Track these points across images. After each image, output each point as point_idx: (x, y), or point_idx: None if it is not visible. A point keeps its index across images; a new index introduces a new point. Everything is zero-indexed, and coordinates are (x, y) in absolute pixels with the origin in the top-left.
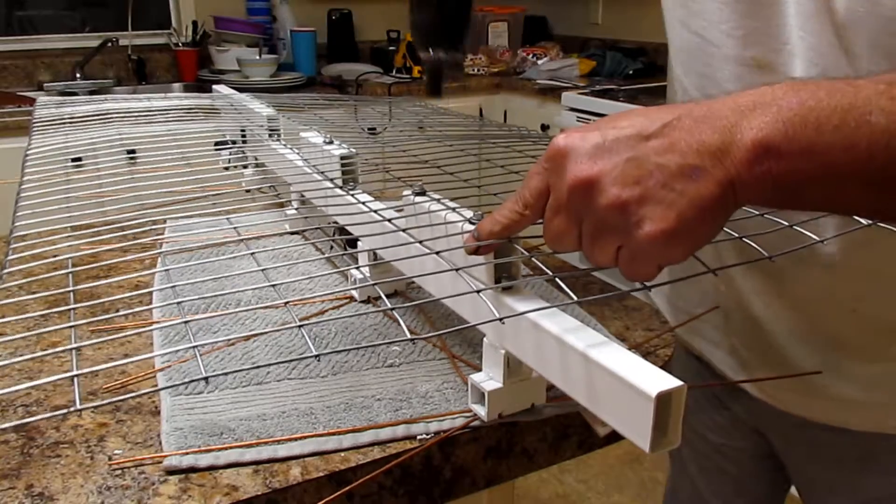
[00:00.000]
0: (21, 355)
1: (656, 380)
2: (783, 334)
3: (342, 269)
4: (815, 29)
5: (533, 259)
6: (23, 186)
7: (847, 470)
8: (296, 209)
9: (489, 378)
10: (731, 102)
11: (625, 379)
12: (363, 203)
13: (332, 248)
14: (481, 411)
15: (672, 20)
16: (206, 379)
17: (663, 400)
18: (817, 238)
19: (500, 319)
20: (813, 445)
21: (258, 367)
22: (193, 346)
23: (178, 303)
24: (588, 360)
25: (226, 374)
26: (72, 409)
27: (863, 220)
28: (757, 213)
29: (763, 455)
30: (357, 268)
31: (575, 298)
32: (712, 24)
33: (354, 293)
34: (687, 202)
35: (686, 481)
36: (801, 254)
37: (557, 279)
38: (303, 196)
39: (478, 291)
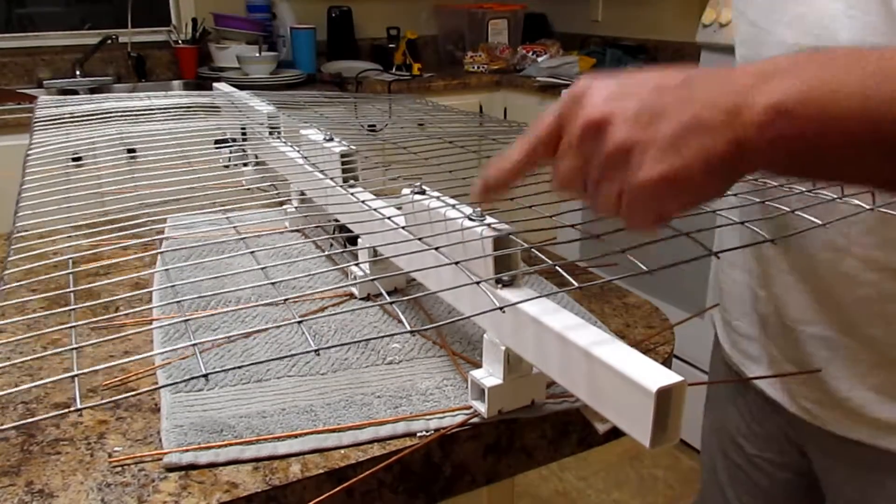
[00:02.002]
0: (21, 353)
1: (657, 375)
2: (823, 342)
3: (342, 265)
4: (864, 8)
5: (533, 250)
6: (24, 185)
7: (889, 493)
8: (295, 207)
9: (489, 374)
10: (752, 68)
11: (625, 374)
12: (363, 201)
13: (331, 245)
14: (481, 408)
15: (735, 13)
16: (205, 376)
17: (663, 395)
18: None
19: (501, 308)
20: (854, 466)
21: (258, 363)
22: (193, 344)
23: (178, 301)
24: (589, 355)
25: (225, 370)
26: (72, 408)
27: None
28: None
29: (799, 472)
30: (357, 264)
31: (576, 284)
32: (765, 11)
33: (354, 290)
34: (691, 154)
35: (716, 490)
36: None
37: (558, 267)
38: (303, 193)
39: (477, 282)
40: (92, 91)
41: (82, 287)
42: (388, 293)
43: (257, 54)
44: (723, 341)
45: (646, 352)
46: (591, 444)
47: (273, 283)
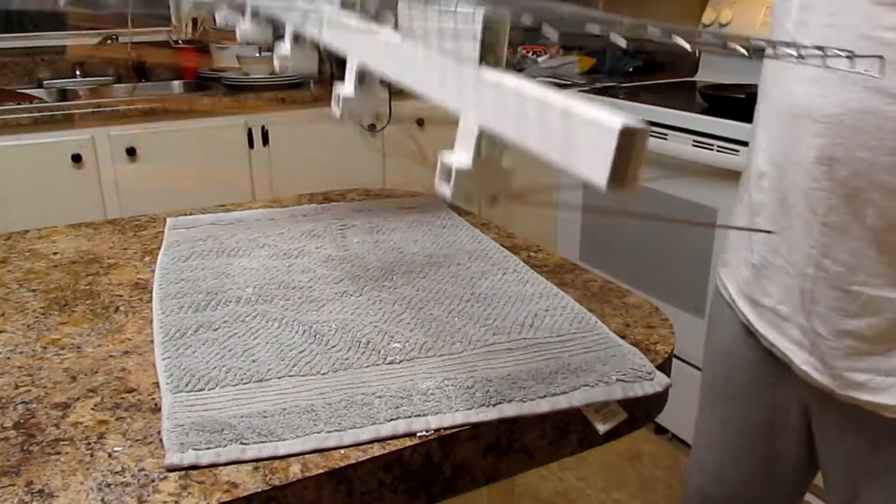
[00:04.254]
0: (21, 353)
1: (622, 118)
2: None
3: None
4: None
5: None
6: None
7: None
8: (289, 48)
9: (459, 158)
10: None
11: (592, 117)
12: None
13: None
14: (446, 190)
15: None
16: (206, 376)
17: (626, 135)
18: None
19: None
20: (872, 437)
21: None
22: (193, 343)
23: (178, 300)
24: (563, 111)
25: (226, 371)
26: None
27: None
28: None
29: (799, 429)
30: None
31: None
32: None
33: (336, 109)
34: None
35: (713, 424)
36: None
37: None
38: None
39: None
40: (92, 91)
41: (82, 287)
42: (371, 126)
43: (257, 54)
44: (764, 332)
45: (646, 351)
46: (591, 444)
47: (273, 283)
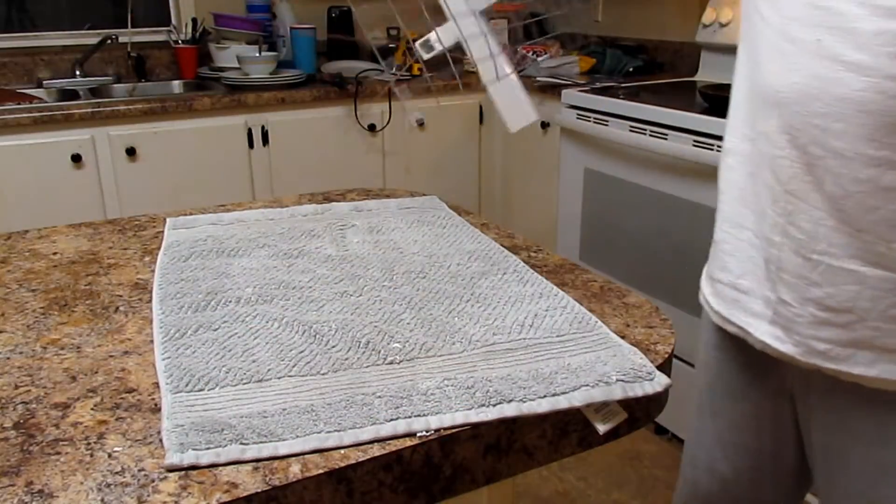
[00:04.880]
0: (21, 353)
1: None
2: (851, 275)
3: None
4: None
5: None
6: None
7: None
8: None
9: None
10: None
11: None
12: None
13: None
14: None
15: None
16: (206, 376)
17: None
18: None
19: None
20: (835, 410)
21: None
22: (193, 344)
23: (178, 300)
24: None
25: (226, 372)
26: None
27: None
28: None
29: (788, 423)
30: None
31: None
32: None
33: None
34: None
35: (705, 423)
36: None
37: None
38: None
39: None
40: (92, 91)
41: (82, 287)
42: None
43: (257, 54)
44: (718, 308)
45: (646, 352)
46: (591, 444)
47: (273, 283)
